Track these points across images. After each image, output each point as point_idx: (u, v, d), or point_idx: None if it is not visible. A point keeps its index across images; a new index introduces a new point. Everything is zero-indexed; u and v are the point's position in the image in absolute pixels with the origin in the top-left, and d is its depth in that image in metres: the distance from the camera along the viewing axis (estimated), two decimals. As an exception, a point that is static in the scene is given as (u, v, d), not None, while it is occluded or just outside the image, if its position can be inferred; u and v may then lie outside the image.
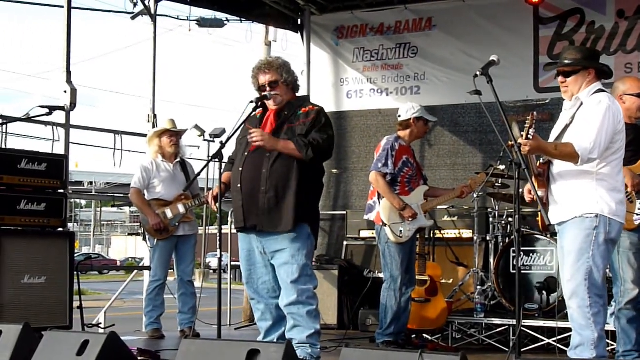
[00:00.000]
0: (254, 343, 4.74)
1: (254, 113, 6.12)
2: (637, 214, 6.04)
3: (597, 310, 5.19)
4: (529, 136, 5.18)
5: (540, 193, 5.37)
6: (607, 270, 6.07)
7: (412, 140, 7.75)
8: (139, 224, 8.86)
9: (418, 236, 7.75)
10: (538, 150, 5.34)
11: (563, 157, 5.31)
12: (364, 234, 9.69)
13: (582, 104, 5.39)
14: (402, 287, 7.46)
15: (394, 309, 7.43)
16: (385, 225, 7.45)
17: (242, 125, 6.05)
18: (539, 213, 5.43)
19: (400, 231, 7.46)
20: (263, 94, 6.01)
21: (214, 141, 11.22)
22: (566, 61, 5.53)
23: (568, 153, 5.23)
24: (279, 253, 5.93)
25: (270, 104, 6.07)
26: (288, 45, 11.92)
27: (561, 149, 5.28)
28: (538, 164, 5.48)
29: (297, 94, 6.27)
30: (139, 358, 5.95)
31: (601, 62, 5.57)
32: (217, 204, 6.01)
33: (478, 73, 5.29)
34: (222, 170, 6.10)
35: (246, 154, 6.01)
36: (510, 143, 5.31)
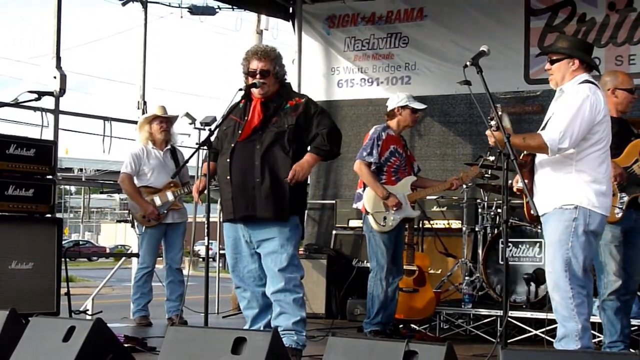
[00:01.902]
0: (240, 331, 4.74)
1: (238, 102, 6.07)
2: (619, 207, 6.05)
3: (580, 301, 5.18)
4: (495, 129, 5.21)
5: (522, 184, 5.37)
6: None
7: (400, 129, 7.73)
8: (127, 211, 8.86)
9: (407, 226, 7.76)
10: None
11: (532, 148, 5.33)
12: (353, 223, 9.68)
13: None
14: (389, 276, 7.46)
15: (380, 298, 7.45)
16: (368, 213, 7.46)
17: (227, 116, 6.01)
18: (525, 203, 5.44)
19: (384, 220, 7.48)
20: (252, 81, 5.97)
21: (204, 129, 11.15)
22: (552, 48, 5.56)
23: (537, 144, 5.23)
24: (267, 242, 5.91)
25: (255, 92, 6.02)
26: (279, 33, 11.93)
27: (529, 140, 5.28)
28: (522, 156, 5.49)
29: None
30: (126, 345, 5.93)
31: (588, 55, 5.52)
32: (201, 197, 5.97)
33: (468, 63, 5.26)
34: (205, 159, 6.03)
35: (233, 145, 5.98)
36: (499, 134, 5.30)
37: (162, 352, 4.78)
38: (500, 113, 5.26)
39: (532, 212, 5.22)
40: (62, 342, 4.95)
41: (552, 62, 5.49)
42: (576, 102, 5.24)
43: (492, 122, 5.22)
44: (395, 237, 7.57)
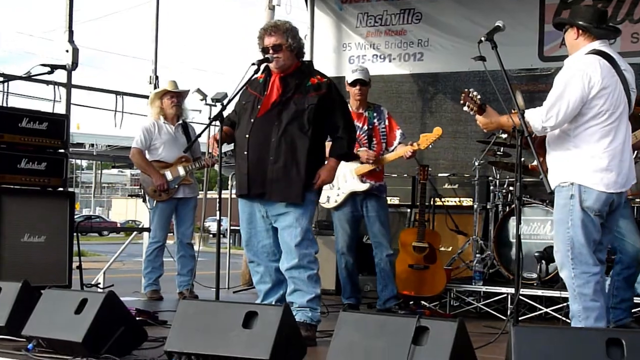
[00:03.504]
0: (252, 305, 4.76)
1: (255, 76, 6.04)
2: None
3: (583, 281, 5.09)
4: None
5: (536, 162, 5.34)
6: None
7: (355, 105, 7.73)
8: (139, 186, 8.87)
9: (418, 203, 7.80)
10: (489, 125, 5.36)
11: (518, 127, 5.16)
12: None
13: None
14: (345, 252, 7.71)
15: (342, 274, 7.81)
16: None
17: (244, 89, 5.99)
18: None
19: (327, 198, 7.68)
20: (265, 56, 5.94)
21: (215, 105, 11.16)
22: (556, 19, 5.44)
23: (525, 125, 5.11)
24: (282, 216, 5.91)
25: (272, 67, 6.00)
26: (292, 9, 11.85)
27: (515, 119, 5.17)
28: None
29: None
30: (137, 318, 5.95)
31: (596, 22, 5.25)
32: (218, 149, 5.95)
33: (483, 39, 5.23)
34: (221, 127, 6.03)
35: (252, 120, 5.96)
36: (514, 111, 5.28)
37: (173, 325, 4.79)
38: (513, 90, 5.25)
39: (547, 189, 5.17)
40: (75, 314, 4.98)
41: (565, 32, 5.37)
42: (564, 78, 5.12)
43: (466, 107, 5.26)
44: (350, 212, 7.69)
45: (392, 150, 7.72)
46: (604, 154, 5.12)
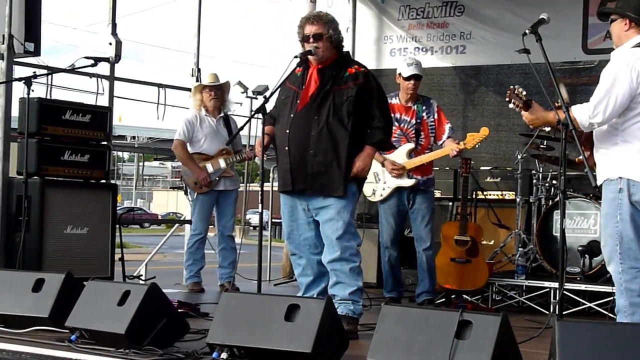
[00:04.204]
0: (294, 298, 4.76)
1: (294, 71, 6.04)
2: None
3: (631, 276, 5.02)
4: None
5: (582, 156, 5.27)
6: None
7: (405, 97, 7.68)
8: (180, 178, 8.90)
9: (460, 197, 7.77)
10: (536, 121, 5.29)
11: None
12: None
13: None
14: (389, 245, 7.73)
15: (385, 267, 7.80)
16: None
17: (284, 84, 5.98)
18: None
19: (373, 191, 7.67)
20: (307, 48, 5.92)
21: (257, 98, 11.22)
22: (603, 8, 5.33)
23: (571, 119, 5.02)
24: (324, 210, 5.90)
25: (312, 59, 5.98)
26: (334, 2, 11.82)
27: (559, 114, 5.09)
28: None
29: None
30: (179, 310, 5.97)
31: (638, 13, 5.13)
32: (262, 152, 5.95)
33: (527, 31, 5.17)
34: (264, 125, 6.05)
35: (292, 115, 5.95)
36: (557, 104, 5.22)
37: (215, 317, 4.80)
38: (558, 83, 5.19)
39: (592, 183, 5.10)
40: (117, 306, 5.00)
41: (611, 22, 5.25)
42: (612, 72, 5.03)
43: (511, 104, 5.21)
44: (395, 206, 7.67)
45: (441, 144, 7.69)
46: None
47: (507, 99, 5.40)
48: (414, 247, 7.73)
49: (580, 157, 5.40)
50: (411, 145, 7.61)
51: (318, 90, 5.91)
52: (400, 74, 7.67)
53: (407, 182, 7.59)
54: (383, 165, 7.56)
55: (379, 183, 7.65)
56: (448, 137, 7.66)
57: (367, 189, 7.59)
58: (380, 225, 7.84)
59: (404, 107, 7.62)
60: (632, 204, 5.04)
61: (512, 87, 5.42)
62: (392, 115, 7.44)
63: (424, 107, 7.69)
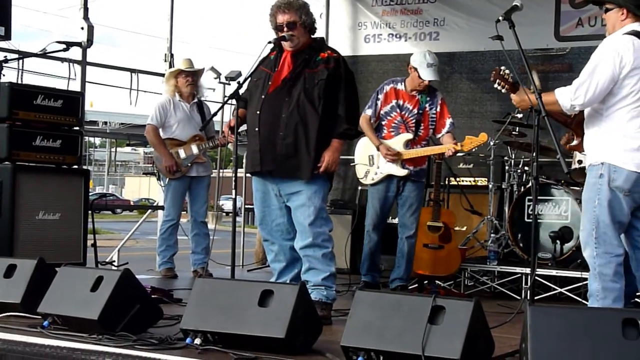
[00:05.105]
0: (267, 284, 4.77)
1: (268, 54, 6.03)
2: None
3: (605, 261, 5.07)
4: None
5: (575, 142, 5.30)
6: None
7: (412, 87, 7.63)
8: (152, 164, 8.88)
9: (434, 183, 7.79)
10: (523, 103, 5.31)
11: (548, 106, 5.13)
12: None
13: None
14: (372, 229, 7.72)
15: (364, 250, 7.82)
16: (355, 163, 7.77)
17: (257, 67, 5.97)
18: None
19: (366, 173, 7.71)
20: (281, 35, 5.91)
21: (229, 84, 11.15)
22: None
23: (551, 102, 5.11)
24: (295, 195, 5.90)
25: (286, 45, 5.97)
26: (306, -13, 11.78)
27: (545, 98, 5.13)
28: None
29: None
30: (152, 296, 5.96)
31: (632, 3, 5.15)
32: (235, 136, 5.93)
33: (500, 18, 5.20)
34: (233, 113, 6.03)
35: (263, 96, 5.93)
36: (530, 91, 5.25)
37: (189, 303, 4.80)
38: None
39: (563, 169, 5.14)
40: (90, 292, 4.99)
41: (606, 11, 5.26)
42: (598, 57, 5.07)
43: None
44: (384, 192, 7.66)
45: (439, 138, 7.68)
46: (636, 134, 5.07)
47: (492, 79, 5.41)
48: (396, 235, 7.74)
49: (574, 142, 5.43)
50: (409, 136, 7.58)
51: (290, 74, 5.90)
52: (415, 69, 7.53)
53: (399, 172, 7.58)
54: (378, 149, 7.55)
55: (372, 167, 7.64)
56: (447, 132, 7.66)
57: (360, 171, 7.68)
58: (367, 208, 7.84)
59: (408, 95, 7.60)
60: (611, 190, 5.07)
61: (497, 67, 5.44)
62: (395, 101, 7.51)
63: (428, 98, 7.65)
